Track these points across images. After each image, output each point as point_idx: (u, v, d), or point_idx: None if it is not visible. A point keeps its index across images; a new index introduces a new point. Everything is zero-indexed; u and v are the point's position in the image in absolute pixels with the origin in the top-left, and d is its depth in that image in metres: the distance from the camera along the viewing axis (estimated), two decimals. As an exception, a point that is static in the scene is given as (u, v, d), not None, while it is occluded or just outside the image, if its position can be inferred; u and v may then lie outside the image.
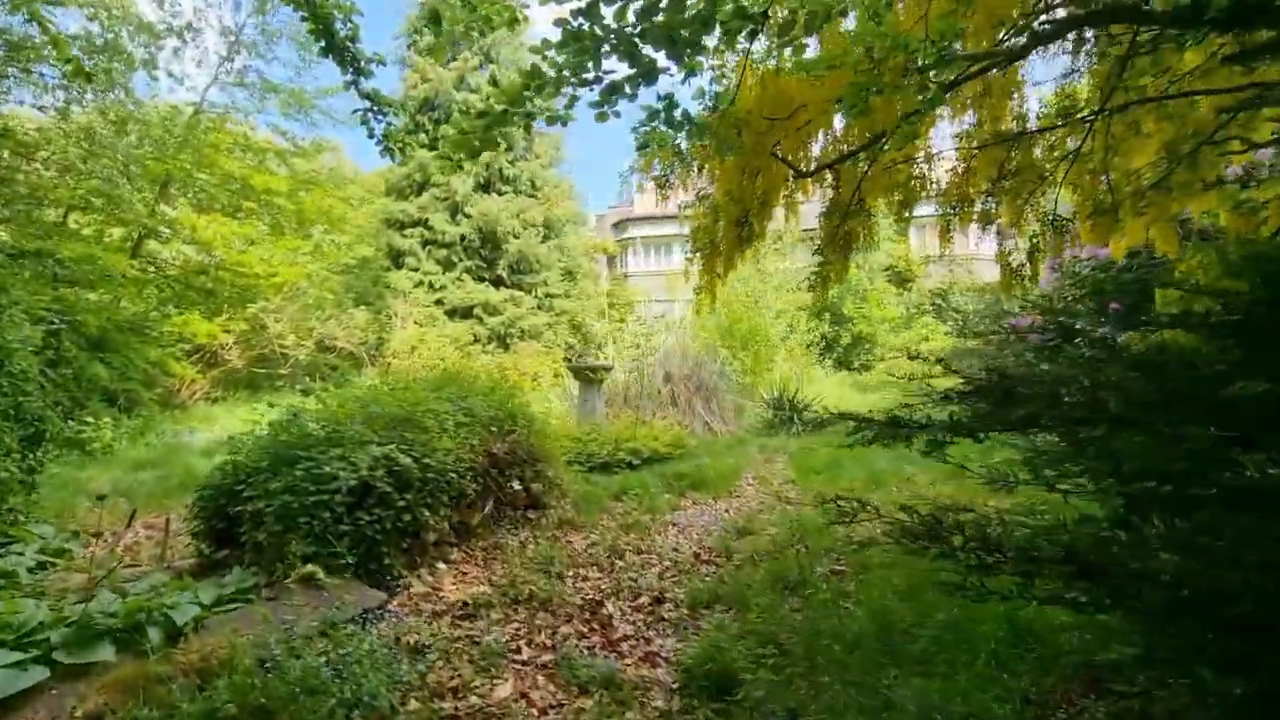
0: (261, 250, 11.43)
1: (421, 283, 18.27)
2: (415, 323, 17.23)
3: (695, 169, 4.24)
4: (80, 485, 6.49)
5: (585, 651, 3.15)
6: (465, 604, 3.56)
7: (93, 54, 10.11)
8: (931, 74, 2.78)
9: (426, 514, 3.89)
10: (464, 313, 18.77)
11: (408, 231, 18.73)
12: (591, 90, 2.49)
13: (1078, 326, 7.23)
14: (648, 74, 2.36)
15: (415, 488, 3.84)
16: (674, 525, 5.27)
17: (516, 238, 19.05)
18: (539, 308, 19.87)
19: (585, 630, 3.39)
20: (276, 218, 12.04)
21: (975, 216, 4.52)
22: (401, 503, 3.70)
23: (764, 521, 5.22)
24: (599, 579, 4.09)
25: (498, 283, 19.48)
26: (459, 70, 19.14)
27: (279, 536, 3.45)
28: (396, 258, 18.56)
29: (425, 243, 18.81)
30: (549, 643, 3.23)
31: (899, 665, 2.76)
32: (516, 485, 5.03)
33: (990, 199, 4.43)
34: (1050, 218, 4.39)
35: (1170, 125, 3.82)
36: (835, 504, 2.58)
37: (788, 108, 3.47)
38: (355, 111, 4.63)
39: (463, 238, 18.76)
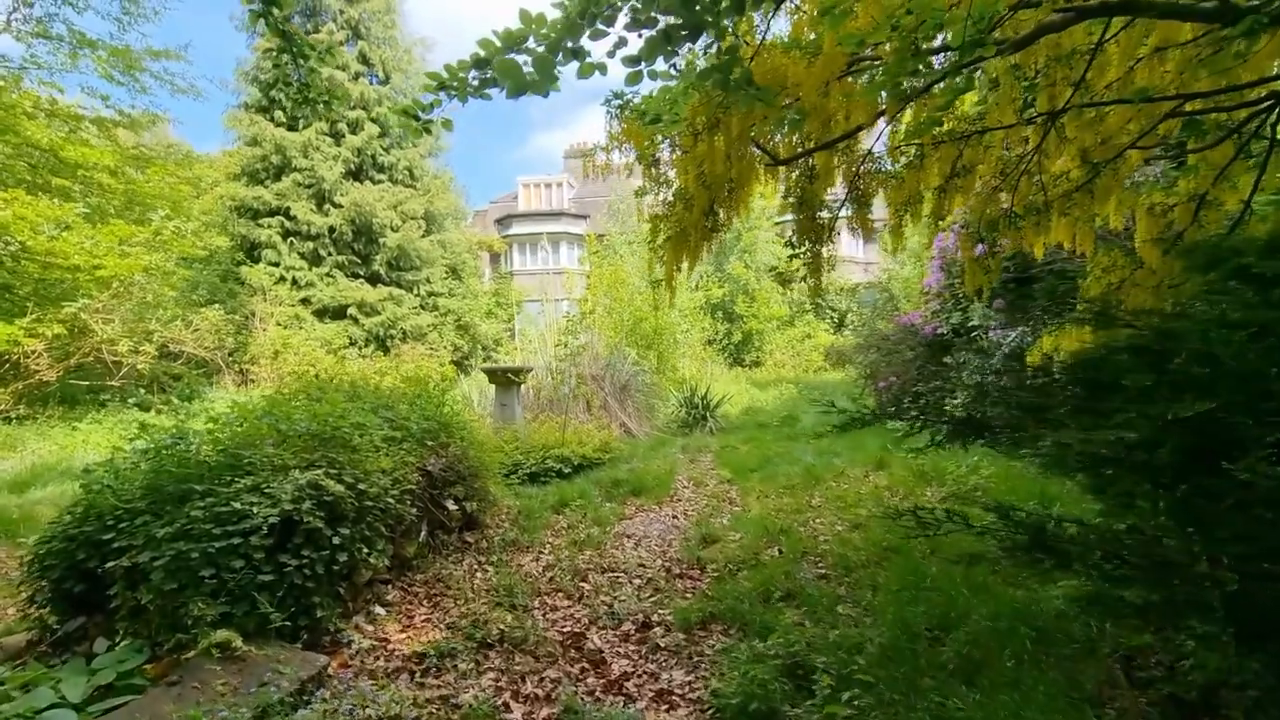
0: (79, 237, 9.42)
1: (283, 279, 16.26)
2: (278, 324, 15.27)
3: (670, 150, 3.91)
4: None
5: (587, 698, 2.70)
6: (424, 655, 2.95)
7: None
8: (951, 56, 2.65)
9: (365, 550, 3.21)
10: (336, 313, 16.99)
11: (265, 221, 16.57)
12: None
13: (972, 324, 7.76)
14: (695, 28, 1.98)
15: (350, 519, 3.15)
16: (627, 537, 4.89)
17: (395, 230, 17.55)
18: (422, 307, 18.51)
19: (576, 672, 2.94)
20: (100, 199, 10.00)
21: (924, 215, 4.56)
22: (336, 539, 3.00)
23: (721, 526, 5.00)
24: (570, 607, 3.62)
25: (374, 280, 17.86)
26: (322, 42, 17.22)
27: (172, 597, 2.64)
28: (251, 250, 16.36)
29: (287, 234, 16.76)
30: (541, 692, 2.74)
31: (934, 674, 2.60)
32: (452, 505, 4.40)
33: (942, 194, 4.48)
34: (1006, 215, 4.54)
35: (1089, 132, 4.09)
36: (914, 515, 2.34)
37: (778, 85, 3.24)
38: (270, 52, 3.75)
39: (332, 229, 16.96)
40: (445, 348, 18.79)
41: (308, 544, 2.92)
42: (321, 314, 16.80)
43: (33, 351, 9.39)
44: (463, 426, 4.67)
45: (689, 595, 3.73)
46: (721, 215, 4.01)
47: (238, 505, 2.81)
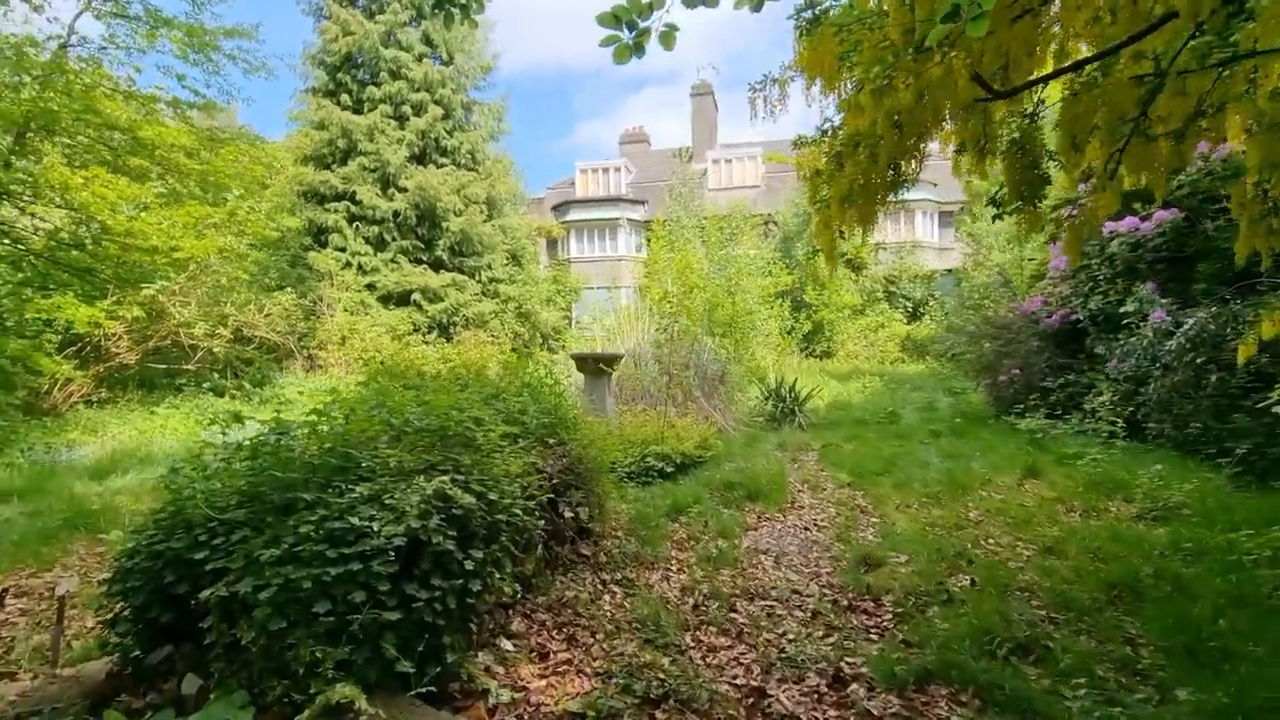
0: (156, 218, 9.25)
1: (349, 264, 16.14)
2: (344, 310, 15.14)
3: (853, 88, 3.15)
4: (-93, 531, 4.60)
5: (807, 793, 2.02)
6: (580, 717, 2.33)
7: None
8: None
9: (496, 575, 2.62)
10: (400, 299, 16.81)
11: (331, 205, 16.48)
12: None
13: (1124, 310, 6.71)
14: None
15: (481, 537, 2.55)
16: (762, 552, 4.21)
17: (458, 215, 17.23)
18: (483, 294, 18.18)
19: (774, 746, 2.27)
20: (176, 180, 9.83)
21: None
22: (469, 564, 2.40)
23: (872, 543, 4.26)
24: (730, 647, 2.96)
25: (437, 265, 17.61)
26: (388, 24, 16.99)
27: (280, 636, 2.09)
28: (319, 235, 16.30)
29: (352, 218, 16.64)
30: (740, 780, 2.08)
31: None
32: (568, 513, 3.79)
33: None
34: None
35: None
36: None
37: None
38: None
39: (396, 214, 16.75)
40: (506, 335, 18.46)
41: (436, 570, 2.34)
42: (386, 300, 16.64)
43: (113, 334, 9.32)
44: (578, 421, 4.05)
45: (874, 636, 3.02)
46: (905, 167, 3.24)
47: (355, 521, 2.24)
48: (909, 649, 2.83)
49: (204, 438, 9.30)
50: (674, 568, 3.93)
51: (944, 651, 2.71)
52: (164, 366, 10.11)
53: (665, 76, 71.64)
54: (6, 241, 8.95)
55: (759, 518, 5.03)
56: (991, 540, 4.16)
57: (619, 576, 3.71)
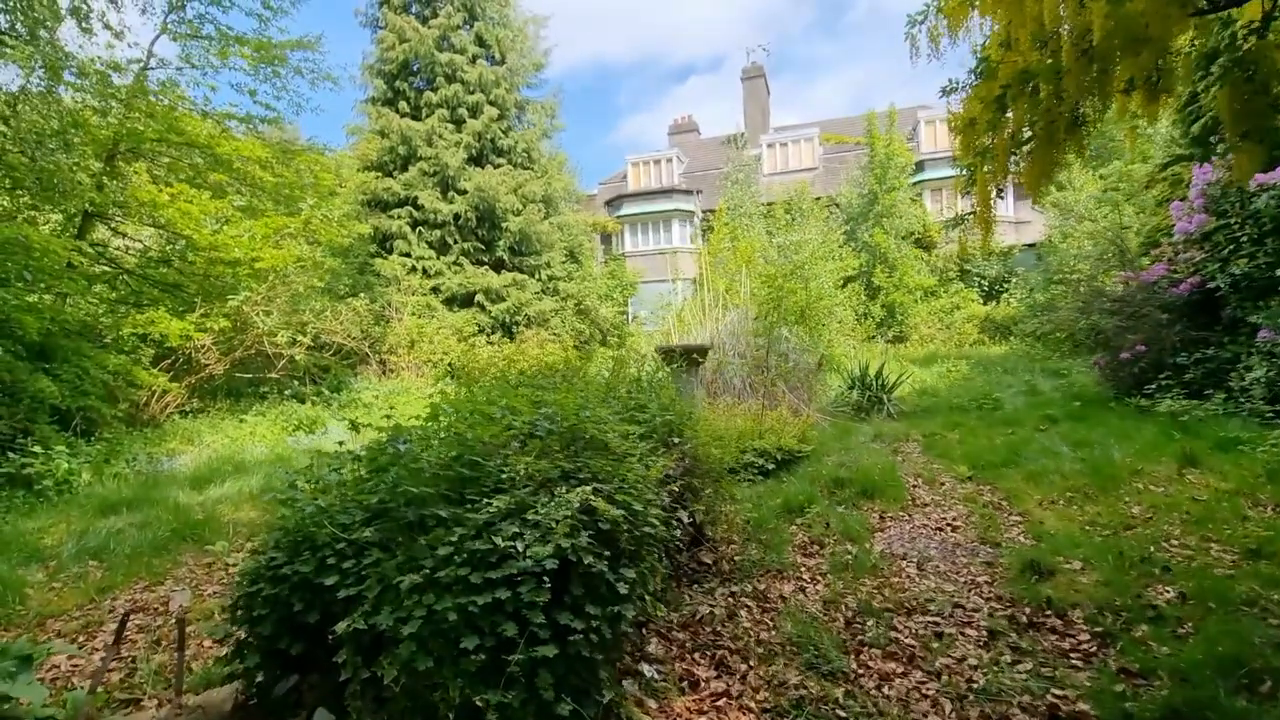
0: (236, 230, 9.46)
1: (414, 268, 16.33)
2: (411, 313, 15.32)
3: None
4: (27, 544, 4.68)
5: None
6: (759, 763, 2.00)
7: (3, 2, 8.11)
8: None
9: (645, 596, 2.31)
10: (464, 300, 16.92)
11: (394, 212, 16.71)
12: None
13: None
14: None
15: (627, 554, 2.25)
16: (899, 558, 3.78)
17: (517, 214, 17.20)
18: (543, 292, 18.12)
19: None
20: (253, 193, 10.05)
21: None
22: (622, 587, 2.10)
23: (1030, 546, 3.76)
24: (905, 674, 2.57)
25: (498, 266, 17.65)
26: (441, 27, 17.07)
27: (425, 676, 1.83)
28: (383, 241, 16.55)
29: (415, 223, 16.84)
30: None
31: None
32: (685, 517, 3.47)
33: None
34: None
35: None
36: None
37: None
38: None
39: (457, 216, 16.84)
40: (567, 332, 18.36)
41: (588, 595, 2.04)
42: (450, 302, 16.77)
43: (202, 346, 9.58)
44: (695, 418, 3.72)
45: (1077, 662, 2.56)
46: (1089, 108, 2.74)
47: (499, 541, 1.96)
48: (1133, 680, 2.37)
49: (290, 443, 9.41)
50: (806, 577, 3.56)
51: (1184, 686, 2.24)
52: (249, 375, 10.36)
53: (711, 64, 70.61)
54: (103, 262, 9.32)
55: (881, 517, 4.58)
56: (1174, 542, 3.60)
57: (749, 588, 3.36)
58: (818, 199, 21.02)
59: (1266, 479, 4.37)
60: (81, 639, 3.45)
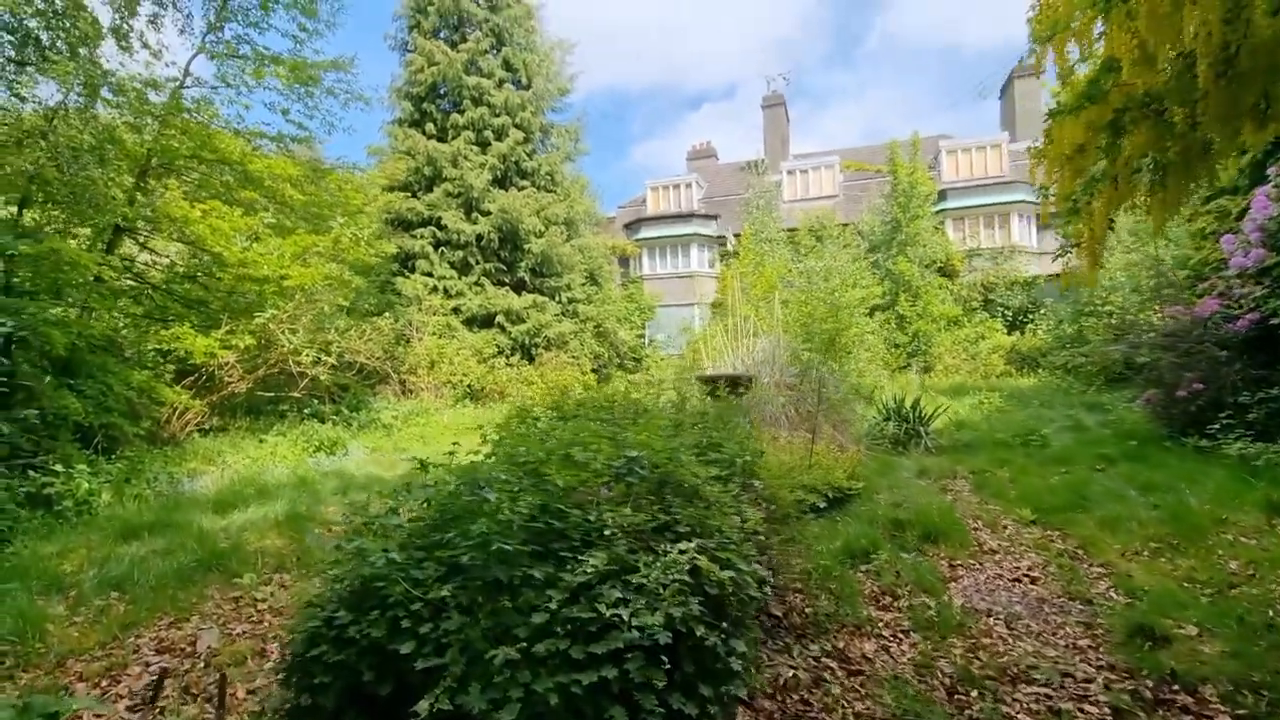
0: (265, 248, 9.39)
1: (436, 288, 16.26)
2: (432, 333, 15.21)
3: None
4: (47, 570, 4.47)
5: None
6: None
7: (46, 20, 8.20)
8: None
9: (752, 670, 2.05)
10: (484, 321, 16.82)
11: (417, 231, 16.72)
12: None
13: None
14: None
15: (733, 622, 2.00)
16: (984, 614, 3.49)
17: (539, 236, 17.16)
18: (563, 314, 18.00)
19: None
20: (282, 211, 10.01)
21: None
22: (735, 662, 1.85)
23: (1127, 604, 3.47)
24: (1029, 759, 2.28)
25: (519, 287, 17.58)
26: (469, 52, 17.24)
27: (522, 768, 1.58)
28: (406, 260, 16.52)
29: (438, 243, 16.83)
30: None
31: None
32: (764, 571, 3.20)
33: None
34: None
35: None
36: None
37: None
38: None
39: (480, 237, 16.82)
40: (586, 355, 18.20)
41: (699, 672, 1.79)
42: (470, 322, 16.68)
43: (226, 363, 9.45)
44: (762, 454, 3.48)
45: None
46: (1227, 136, 2.52)
47: (602, 608, 1.72)
48: (1302, 778, 2.07)
49: (311, 465, 9.20)
50: (886, 634, 3.27)
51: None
52: (271, 394, 10.21)
53: (724, 91, 71.56)
54: (129, 276, 9.25)
55: (950, 565, 4.29)
56: (1291, 605, 3.30)
57: (828, 647, 3.08)
58: (849, 225, 20.91)
59: (1372, 534, 4.05)
60: (104, 683, 3.21)
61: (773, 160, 26.71)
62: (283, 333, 9.24)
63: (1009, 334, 18.72)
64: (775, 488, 3.39)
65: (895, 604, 3.64)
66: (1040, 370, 15.96)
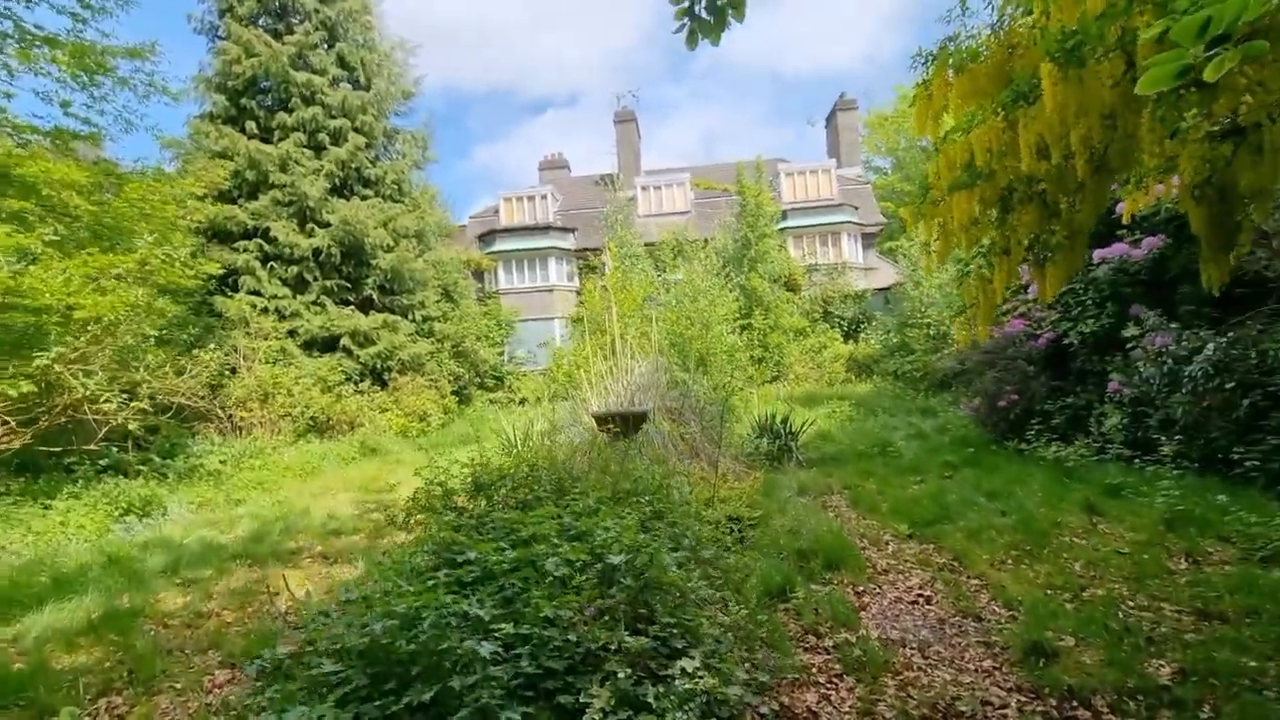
0: (46, 271, 7.61)
1: (266, 309, 14.38)
2: (263, 360, 13.40)
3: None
4: None
5: None
6: None
7: None
8: None
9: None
10: (325, 344, 15.20)
11: (240, 244, 14.69)
12: None
13: (1126, 334, 6.90)
14: None
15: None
16: (899, 645, 3.70)
17: (388, 251, 15.91)
18: (418, 333, 16.83)
19: None
20: (67, 224, 8.19)
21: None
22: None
23: (1006, 616, 3.87)
24: (988, 807, 2.41)
25: (365, 306, 16.14)
26: (297, 44, 15.53)
27: None
28: (227, 277, 14.40)
29: (266, 258, 14.91)
30: None
31: None
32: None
33: None
34: None
35: None
36: None
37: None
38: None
39: (318, 251, 15.18)
40: (445, 377, 17.18)
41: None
42: (310, 346, 14.97)
43: (-14, 416, 7.51)
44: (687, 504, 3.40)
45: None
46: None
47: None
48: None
49: (119, 534, 7.66)
50: (822, 679, 3.34)
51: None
52: (59, 449, 8.30)
53: (567, 99, 72.06)
54: None
55: (855, 592, 4.54)
56: (1131, 604, 3.89)
57: (776, 706, 3.07)
58: (696, 241, 21.84)
59: (1166, 528, 4.94)
60: None
61: (626, 175, 27.25)
62: (74, 375, 7.53)
63: (845, 343, 20.75)
64: (699, 537, 3.33)
65: (820, 644, 3.75)
66: (875, 376, 17.87)
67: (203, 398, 10.62)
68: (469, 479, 3.46)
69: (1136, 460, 6.69)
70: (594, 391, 9.08)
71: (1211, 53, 1.20)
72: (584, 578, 2.00)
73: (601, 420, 6.06)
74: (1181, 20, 1.19)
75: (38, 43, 8.90)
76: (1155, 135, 2.13)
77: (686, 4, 2.00)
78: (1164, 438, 6.57)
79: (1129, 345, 7.25)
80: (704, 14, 1.98)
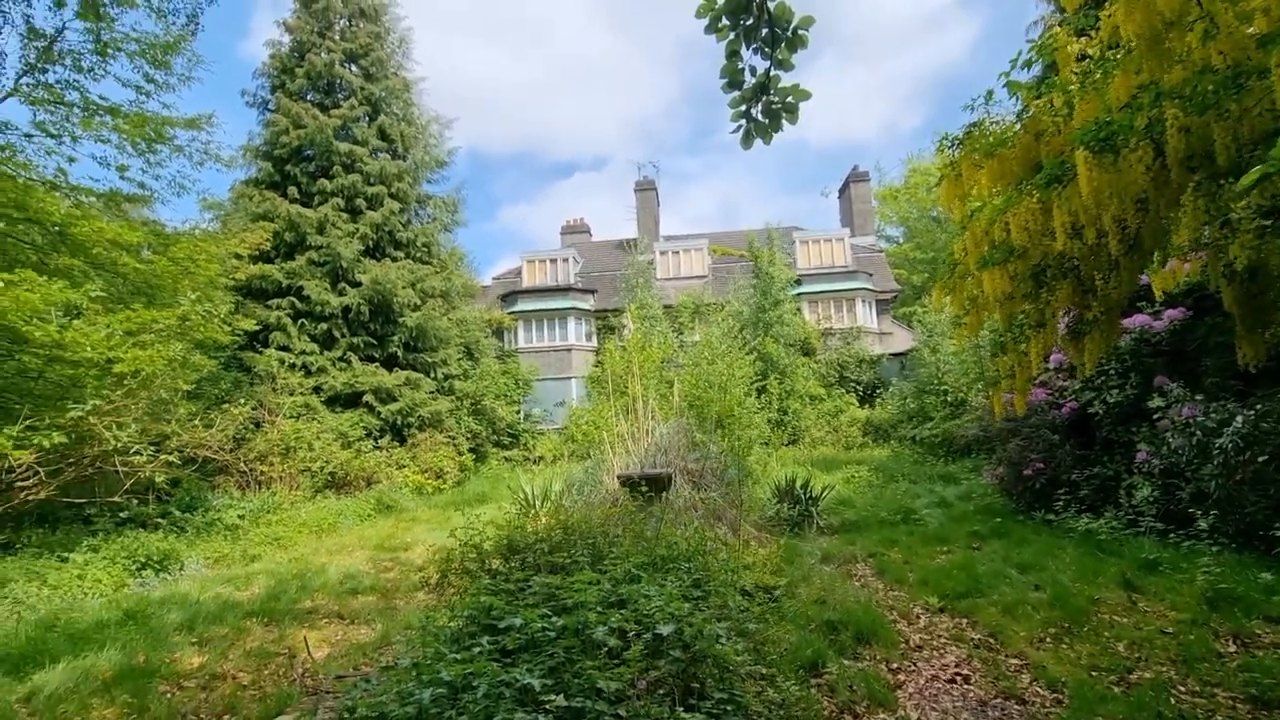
0: (90, 324, 7.90)
1: (294, 365, 14.67)
2: (288, 415, 13.57)
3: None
4: None
5: None
6: None
7: None
8: None
9: None
10: (349, 400, 15.39)
11: (274, 302, 15.16)
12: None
13: (1152, 405, 6.84)
14: None
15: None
16: (942, 729, 3.55)
17: (415, 309, 16.31)
18: (439, 390, 17.01)
19: None
20: (114, 281, 8.56)
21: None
22: None
23: (1048, 698, 3.71)
24: None
25: (390, 363, 16.41)
26: (342, 118, 16.47)
27: None
28: (259, 334, 14.79)
29: (297, 315, 15.33)
30: None
31: None
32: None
33: None
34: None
35: None
36: None
37: None
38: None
39: (347, 309, 15.61)
40: (463, 434, 17.23)
41: None
42: (333, 402, 15.16)
43: (19, 465, 7.64)
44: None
45: None
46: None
47: None
48: None
49: (135, 589, 7.63)
50: (863, 767, 3.20)
51: None
52: (82, 500, 8.38)
53: (594, 163, 75.07)
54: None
55: (890, 669, 4.38)
56: (1182, 689, 3.72)
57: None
58: (713, 304, 22.17)
59: (1209, 607, 4.75)
60: None
61: (645, 240, 27.99)
62: (107, 426, 7.68)
63: (861, 407, 20.62)
64: (740, 607, 3.26)
65: (860, 727, 3.61)
66: (891, 441, 17.64)
67: (228, 451, 10.71)
68: (503, 541, 3.45)
69: (1171, 534, 6.50)
70: (614, 452, 9.06)
71: None
72: (633, 648, 1.98)
73: (627, 482, 6.04)
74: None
75: (101, 112, 9.56)
76: (1195, 220, 2.23)
77: (743, 108, 2.17)
78: (1198, 511, 6.40)
79: (1155, 416, 7.17)
80: (760, 117, 2.15)
